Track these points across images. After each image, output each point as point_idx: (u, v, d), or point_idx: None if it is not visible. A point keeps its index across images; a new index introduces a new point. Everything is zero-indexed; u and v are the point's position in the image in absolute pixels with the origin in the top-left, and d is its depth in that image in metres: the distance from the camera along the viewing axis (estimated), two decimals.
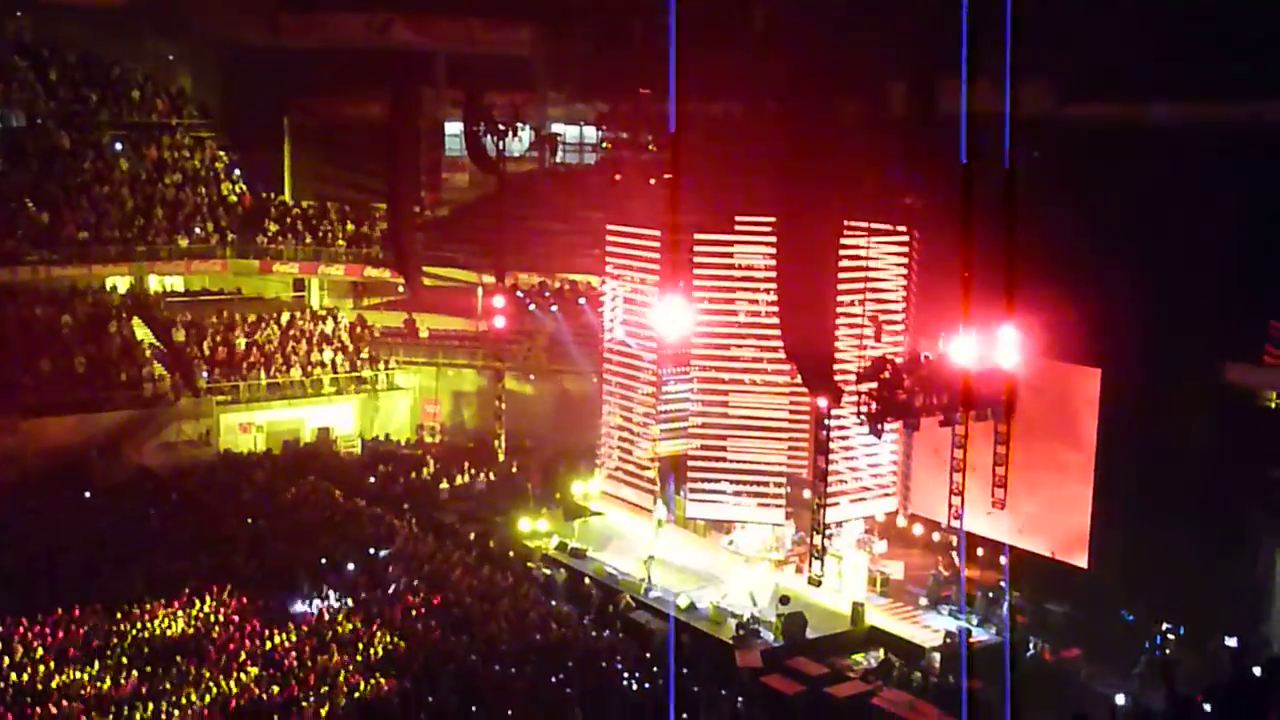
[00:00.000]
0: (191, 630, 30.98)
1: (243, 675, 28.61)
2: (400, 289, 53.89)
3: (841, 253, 35.54)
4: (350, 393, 50.13)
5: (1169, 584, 32.72)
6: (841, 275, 35.48)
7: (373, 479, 44.50)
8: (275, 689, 28.11)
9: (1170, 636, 32.33)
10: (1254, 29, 34.58)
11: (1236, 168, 33.70)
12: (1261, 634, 33.12)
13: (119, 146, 55.34)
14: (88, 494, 40.97)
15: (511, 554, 37.89)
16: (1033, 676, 31.66)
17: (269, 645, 30.21)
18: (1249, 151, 34.01)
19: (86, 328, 48.18)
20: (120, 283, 53.36)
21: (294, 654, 29.78)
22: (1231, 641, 31.29)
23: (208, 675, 28.51)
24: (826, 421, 34.89)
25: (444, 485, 43.80)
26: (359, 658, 29.86)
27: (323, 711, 27.30)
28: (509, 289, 46.21)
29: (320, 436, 48.79)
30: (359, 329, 52.53)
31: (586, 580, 36.33)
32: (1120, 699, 28.57)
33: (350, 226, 55.63)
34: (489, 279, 48.81)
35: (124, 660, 29.14)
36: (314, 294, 57.40)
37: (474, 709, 27.57)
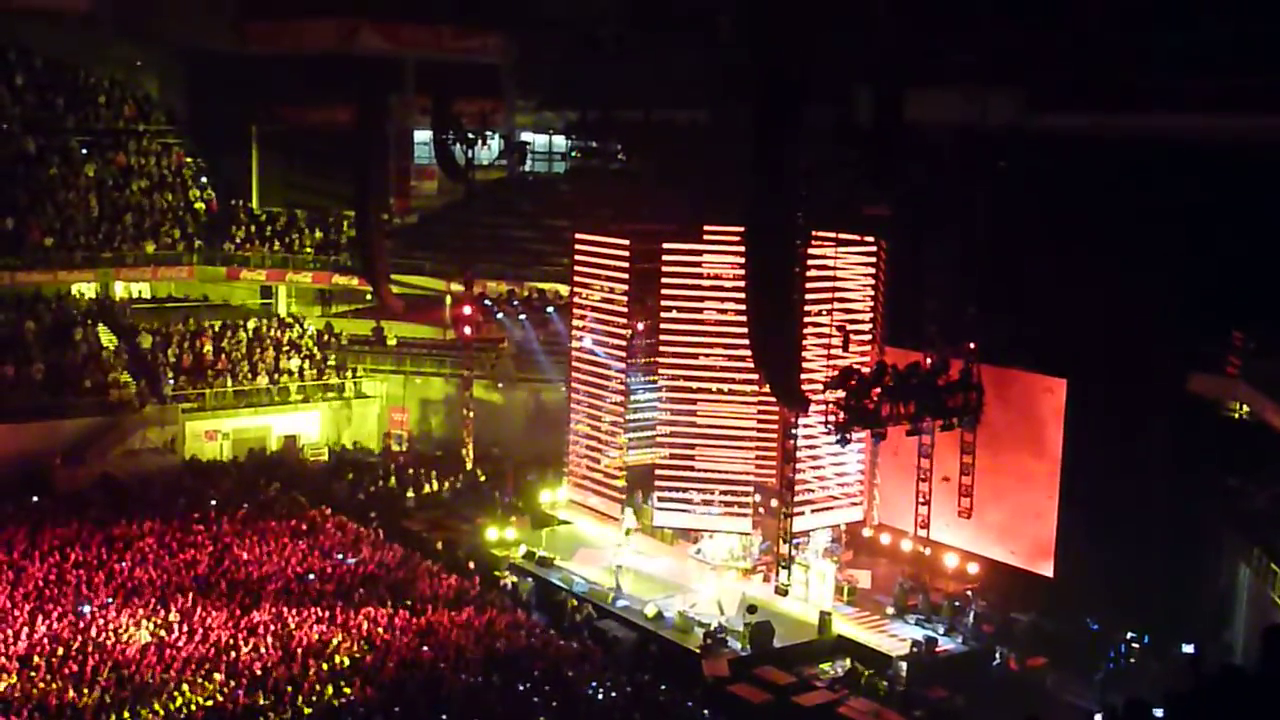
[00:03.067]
0: (155, 638, 30.76)
1: (208, 684, 28.41)
2: (368, 297, 53.75)
3: (809, 263, 35.61)
4: (317, 400, 49.90)
5: (1134, 593, 32.93)
6: (809, 285, 35.56)
7: (339, 487, 44.34)
8: (240, 697, 27.94)
9: (1135, 645, 32.54)
10: (1218, 42, 34.90)
11: (1202, 179, 33.97)
12: (1223, 641, 33.35)
13: (85, 152, 55.01)
14: (38, 499, 40.76)
15: (478, 563, 37.82)
16: (998, 685, 31.82)
17: (233, 654, 30.02)
18: (1214, 163, 34.28)
19: (51, 334, 47.84)
20: (86, 289, 53.02)
21: (259, 663, 29.61)
22: (1189, 649, 31.48)
23: (172, 683, 28.30)
24: (794, 431, 35.00)
25: (410, 494, 43.70)
26: (325, 666, 29.71)
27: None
28: (477, 297, 46.09)
29: (287, 444, 48.57)
30: (326, 336, 52.35)
31: (553, 589, 36.30)
32: (1098, 718, 28.58)
33: (318, 234, 55.41)
34: (457, 287, 48.70)
35: (88, 668, 28.87)
36: (281, 301, 57.20)
37: (442, 718, 27.47)
